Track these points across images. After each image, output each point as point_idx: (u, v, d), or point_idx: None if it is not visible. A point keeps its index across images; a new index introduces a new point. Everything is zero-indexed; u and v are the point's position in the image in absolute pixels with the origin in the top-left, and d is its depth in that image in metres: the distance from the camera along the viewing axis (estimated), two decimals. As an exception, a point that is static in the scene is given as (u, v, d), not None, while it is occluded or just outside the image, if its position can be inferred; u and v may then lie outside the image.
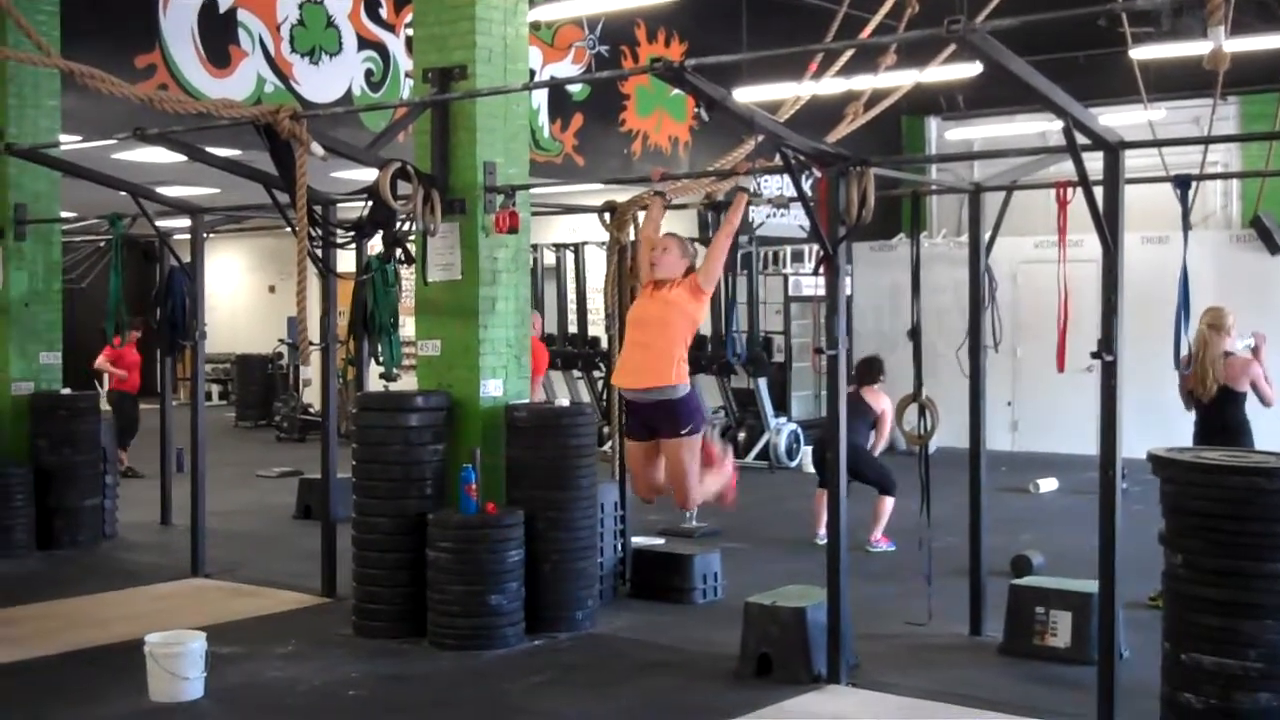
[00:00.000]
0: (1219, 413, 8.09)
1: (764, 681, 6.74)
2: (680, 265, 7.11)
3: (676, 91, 13.34)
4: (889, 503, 10.23)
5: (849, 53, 8.29)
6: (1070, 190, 6.59)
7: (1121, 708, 5.92)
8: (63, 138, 10.43)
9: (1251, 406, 8.25)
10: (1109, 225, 5.92)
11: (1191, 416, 8.38)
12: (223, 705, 6.51)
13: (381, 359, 8.42)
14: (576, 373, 16.70)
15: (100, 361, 14.10)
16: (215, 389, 24.10)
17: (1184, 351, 6.58)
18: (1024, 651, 7.22)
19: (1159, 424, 8.42)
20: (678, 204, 8.58)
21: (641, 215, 8.34)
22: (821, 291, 6.94)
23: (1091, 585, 6.55)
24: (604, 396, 14.90)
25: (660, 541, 9.50)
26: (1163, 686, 5.46)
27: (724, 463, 7.55)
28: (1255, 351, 8.22)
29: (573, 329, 16.64)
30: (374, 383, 9.68)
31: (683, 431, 7.02)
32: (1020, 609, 7.31)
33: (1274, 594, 5.09)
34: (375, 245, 8.30)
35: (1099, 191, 5.96)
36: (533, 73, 13.07)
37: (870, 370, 10.34)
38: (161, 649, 6.53)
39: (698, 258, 7.28)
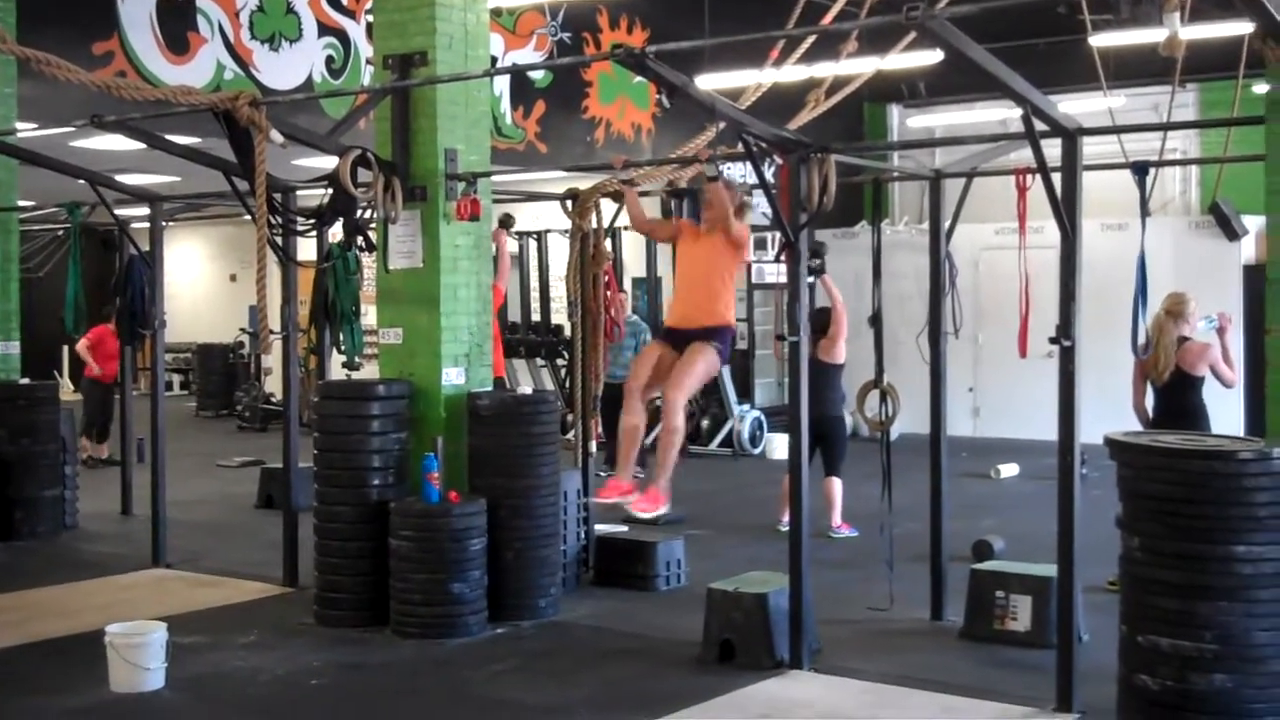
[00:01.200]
0: (1175, 397, 8.15)
1: (726, 667, 6.77)
2: (726, 209, 7.17)
3: (639, 79, 13.31)
4: (837, 484, 10.26)
5: (810, 40, 8.29)
6: (1030, 177, 6.62)
7: (1080, 690, 5.99)
8: (19, 125, 10.34)
9: (1211, 390, 8.31)
10: (1067, 211, 5.96)
11: (1141, 403, 8.43)
12: (184, 695, 6.49)
13: (343, 347, 8.39)
14: (540, 360, 16.69)
15: (80, 346, 13.88)
16: (176, 378, 23.98)
17: (1142, 338, 6.63)
18: (984, 635, 7.26)
19: (1118, 409, 8.47)
20: (640, 191, 8.57)
21: (606, 203, 8.36)
22: (784, 279, 6.96)
23: (1051, 570, 6.60)
24: (567, 384, 14.87)
25: (623, 529, 9.51)
26: (1120, 669, 5.50)
27: (658, 490, 7.34)
28: (1220, 332, 8.28)
29: (535, 317, 16.61)
30: (336, 371, 9.64)
31: (712, 342, 7.13)
32: (981, 593, 7.36)
33: (1229, 576, 5.13)
34: (336, 233, 8.28)
35: (1058, 178, 6.00)
36: (494, 59, 13.02)
37: (818, 324, 10.08)
38: (122, 639, 6.50)
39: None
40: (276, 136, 7.06)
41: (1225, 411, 8.63)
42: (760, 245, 17.00)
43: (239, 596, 8.54)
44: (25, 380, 10.98)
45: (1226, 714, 5.16)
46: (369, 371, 8.64)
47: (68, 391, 16.87)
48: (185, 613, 7.91)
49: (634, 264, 16.20)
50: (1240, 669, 5.15)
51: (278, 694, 6.58)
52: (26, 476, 10.56)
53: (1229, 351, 8.24)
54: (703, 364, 7.12)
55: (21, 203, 11.28)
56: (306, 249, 9.10)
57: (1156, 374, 8.20)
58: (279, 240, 8.14)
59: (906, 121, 18.73)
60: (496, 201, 8.96)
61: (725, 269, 7.25)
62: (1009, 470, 13.57)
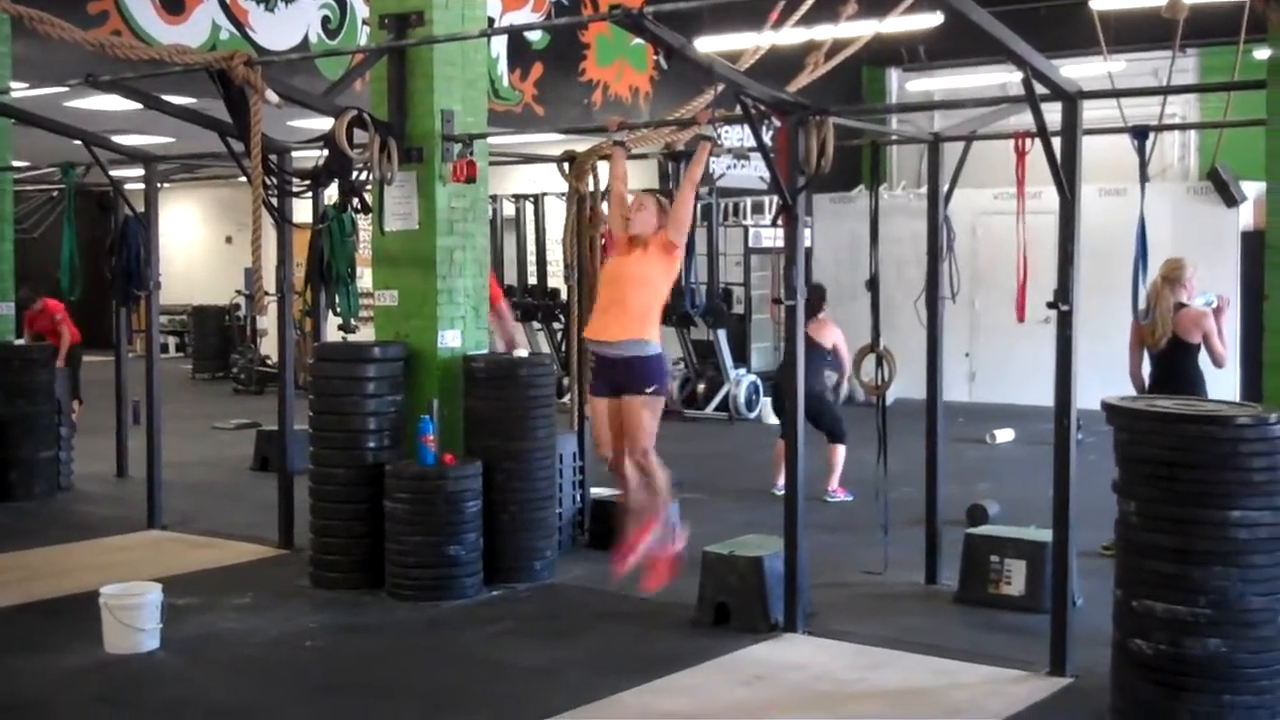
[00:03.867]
0: (1172, 364, 8.13)
1: (721, 630, 6.79)
2: (655, 222, 6.80)
3: (637, 41, 13.24)
4: (840, 450, 10.27)
5: (810, 1, 8.25)
6: (1029, 141, 6.60)
7: (1074, 654, 6.01)
8: (13, 84, 10.27)
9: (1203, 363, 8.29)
10: (1067, 176, 5.94)
11: (1138, 370, 8.43)
12: (179, 656, 6.50)
13: (339, 310, 8.37)
14: (536, 324, 16.67)
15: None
16: (172, 341, 23.96)
17: (1142, 303, 6.62)
18: (979, 599, 7.28)
19: (1115, 374, 8.46)
20: (637, 154, 8.55)
21: (603, 166, 8.31)
22: (781, 243, 6.94)
23: (1046, 534, 6.62)
24: (563, 347, 14.88)
25: (619, 492, 9.50)
26: (1114, 633, 5.51)
27: (672, 537, 6.98)
28: (1217, 313, 8.25)
29: (532, 280, 16.59)
30: (332, 334, 9.62)
31: (647, 390, 6.79)
32: (975, 558, 7.38)
33: (1224, 541, 5.13)
34: (332, 194, 8.24)
35: (1057, 142, 5.98)
36: (491, 20, 12.94)
37: (809, 302, 9.92)
38: (117, 600, 6.50)
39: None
40: (272, 97, 7.02)
41: (1221, 377, 8.62)
42: (758, 209, 16.99)
43: (234, 558, 8.56)
44: (20, 341, 10.95)
45: (1220, 678, 5.17)
46: (365, 334, 8.62)
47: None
48: (180, 574, 7.92)
49: (631, 228, 16.13)
50: (1234, 634, 5.15)
51: (272, 655, 6.59)
52: (21, 438, 10.55)
53: (1223, 333, 8.20)
54: (649, 413, 6.78)
55: (15, 163, 11.24)
56: (302, 211, 9.05)
57: (1153, 341, 8.18)
58: (274, 202, 8.10)
59: (905, 85, 18.66)
60: (493, 164, 8.92)
61: (657, 284, 6.80)
62: (1005, 435, 13.59)
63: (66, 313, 12.75)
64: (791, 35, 8.95)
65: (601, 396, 6.90)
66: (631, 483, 6.93)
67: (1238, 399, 8.58)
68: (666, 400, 7.16)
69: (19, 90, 10.07)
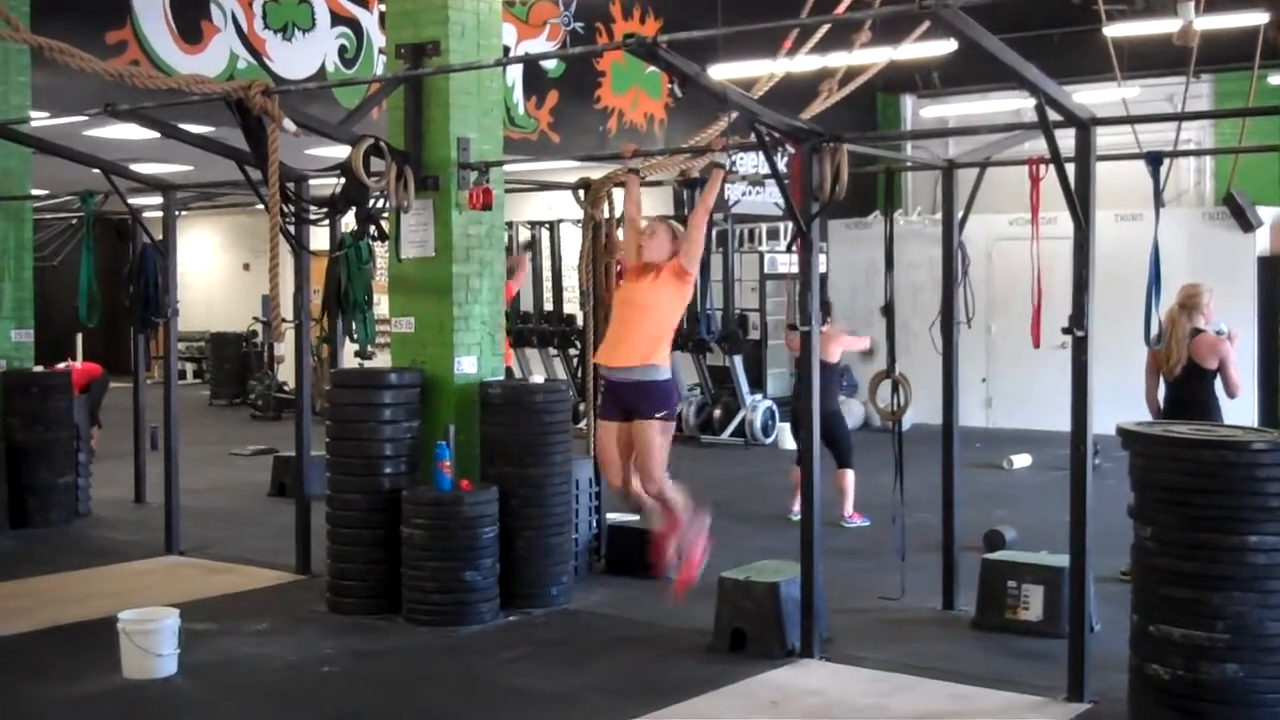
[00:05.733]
0: (1187, 390, 8.11)
1: (738, 655, 6.77)
2: (668, 249, 6.92)
3: (652, 69, 13.32)
4: (849, 475, 10.26)
5: (823, 29, 8.29)
6: (1043, 167, 6.61)
7: (1091, 679, 5.99)
8: (33, 114, 10.35)
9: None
10: (1081, 202, 5.95)
11: (1154, 396, 8.42)
12: (196, 682, 6.51)
13: (356, 336, 8.41)
14: (552, 350, 16.71)
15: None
16: (189, 367, 24.04)
17: (1155, 329, 6.61)
18: (996, 625, 7.27)
19: (1131, 400, 8.45)
20: (653, 181, 8.58)
21: (618, 193, 8.36)
22: (796, 269, 6.95)
23: (1063, 560, 6.60)
24: (579, 373, 14.89)
25: (635, 517, 9.50)
26: (1131, 658, 5.50)
27: (697, 527, 7.12)
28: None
29: (548, 306, 16.63)
30: (349, 360, 9.67)
31: (657, 415, 6.87)
32: (992, 583, 7.36)
33: (1241, 566, 5.13)
34: (349, 222, 8.29)
35: (1071, 168, 5.99)
36: (507, 49, 13.02)
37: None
38: (135, 626, 6.52)
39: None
40: (289, 125, 7.08)
41: (1237, 403, 8.61)
42: (773, 235, 17.02)
43: (251, 584, 8.57)
44: (39, 368, 11.02)
45: (1238, 704, 5.16)
46: (381, 360, 8.66)
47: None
48: (198, 600, 7.94)
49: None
50: (1252, 659, 5.15)
51: (290, 681, 6.60)
52: (40, 463, 10.58)
53: (1235, 365, 8.19)
54: (659, 439, 6.82)
55: (35, 191, 11.32)
56: (319, 238, 9.10)
57: (1168, 368, 8.17)
58: (292, 229, 8.15)
59: (920, 111, 18.69)
60: (509, 191, 8.97)
61: (668, 310, 6.93)
62: (1021, 461, 13.56)
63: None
64: (805, 63, 8.99)
65: (611, 420, 7.00)
66: (646, 504, 7.01)
67: (1254, 424, 8.56)
68: (678, 425, 7.22)
69: (39, 119, 10.15)
